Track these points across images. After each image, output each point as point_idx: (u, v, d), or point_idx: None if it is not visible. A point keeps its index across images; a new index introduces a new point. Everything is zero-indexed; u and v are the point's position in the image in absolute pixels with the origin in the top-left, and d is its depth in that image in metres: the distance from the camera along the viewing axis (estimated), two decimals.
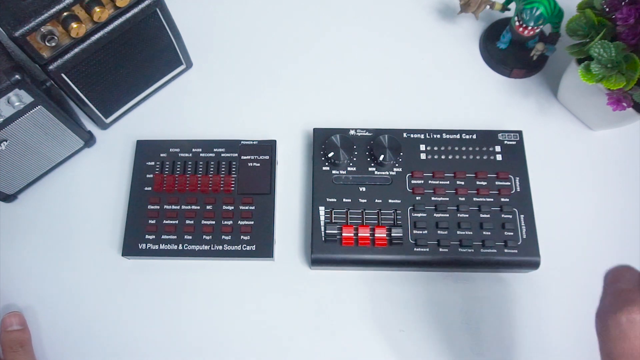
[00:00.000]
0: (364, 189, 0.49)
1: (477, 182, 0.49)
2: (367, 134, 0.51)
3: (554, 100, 0.56)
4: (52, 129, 0.48)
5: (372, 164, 0.50)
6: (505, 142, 0.51)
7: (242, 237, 0.48)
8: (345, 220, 0.48)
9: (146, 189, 0.50)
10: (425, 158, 0.50)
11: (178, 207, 0.49)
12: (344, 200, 0.49)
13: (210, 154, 0.51)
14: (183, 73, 0.58)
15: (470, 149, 0.50)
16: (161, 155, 0.51)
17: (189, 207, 0.49)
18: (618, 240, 0.50)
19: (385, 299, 0.48)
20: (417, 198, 0.48)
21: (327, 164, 0.50)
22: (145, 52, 0.51)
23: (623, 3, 0.45)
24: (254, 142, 0.52)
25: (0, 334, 0.46)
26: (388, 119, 0.55)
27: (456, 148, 0.50)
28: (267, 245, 0.48)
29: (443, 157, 0.50)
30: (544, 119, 0.55)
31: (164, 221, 0.49)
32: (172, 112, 0.57)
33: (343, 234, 0.47)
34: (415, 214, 0.48)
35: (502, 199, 0.48)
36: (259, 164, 0.51)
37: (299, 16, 0.62)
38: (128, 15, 0.46)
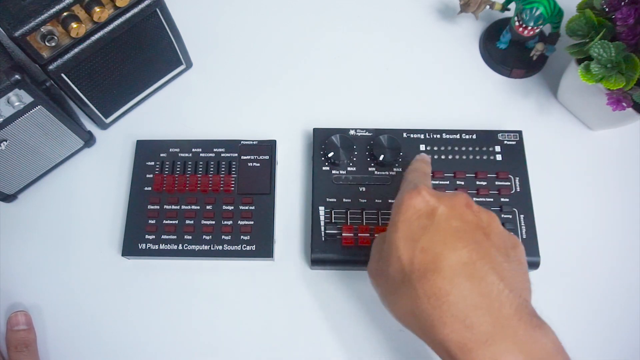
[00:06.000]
0: (364, 189, 0.49)
1: (477, 182, 0.49)
2: (367, 134, 0.51)
3: (553, 100, 0.56)
4: (52, 129, 0.48)
5: (372, 164, 0.50)
6: (505, 142, 0.51)
7: (242, 237, 0.48)
8: (345, 220, 0.48)
9: (146, 189, 0.50)
10: None
11: (178, 207, 0.49)
12: (344, 200, 0.49)
13: (210, 154, 0.51)
14: (183, 73, 0.58)
15: (470, 149, 0.50)
16: (161, 155, 0.51)
17: (189, 207, 0.49)
18: (618, 240, 0.50)
19: None
20: None
21: (327, 164, 0.50)
22: (145, 52, 0.51)
23: (623, 3, 0.45)
24: (254, 142, 0.52)
25: (6, 332, 0.46)
26: (388, 119, 0.55)
27: (456, 148, 0.50)
28: (267, 245, 0.48)
29: (443, 157, 0.50)
30: (543, 119, 0.55)
31: (164, 221, 0.49)
32: (172, 112, 0.57)
33: (343, 234, 0.47)
34: None
35: (502, 199, 0.48)
36: (259, 164, 0.51)
37: (299, 16, 0.62)
38: (128, 15, 0.46)
